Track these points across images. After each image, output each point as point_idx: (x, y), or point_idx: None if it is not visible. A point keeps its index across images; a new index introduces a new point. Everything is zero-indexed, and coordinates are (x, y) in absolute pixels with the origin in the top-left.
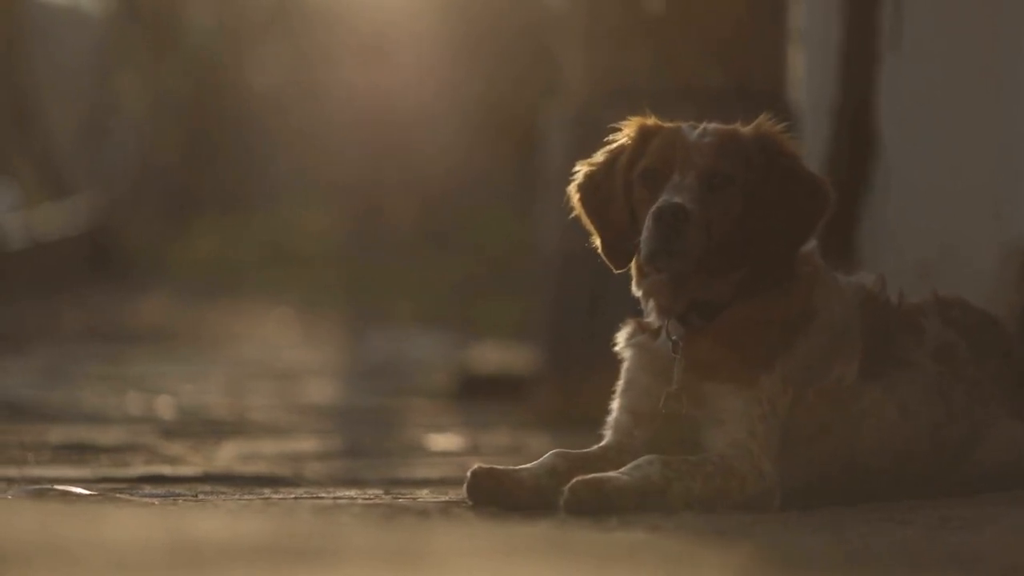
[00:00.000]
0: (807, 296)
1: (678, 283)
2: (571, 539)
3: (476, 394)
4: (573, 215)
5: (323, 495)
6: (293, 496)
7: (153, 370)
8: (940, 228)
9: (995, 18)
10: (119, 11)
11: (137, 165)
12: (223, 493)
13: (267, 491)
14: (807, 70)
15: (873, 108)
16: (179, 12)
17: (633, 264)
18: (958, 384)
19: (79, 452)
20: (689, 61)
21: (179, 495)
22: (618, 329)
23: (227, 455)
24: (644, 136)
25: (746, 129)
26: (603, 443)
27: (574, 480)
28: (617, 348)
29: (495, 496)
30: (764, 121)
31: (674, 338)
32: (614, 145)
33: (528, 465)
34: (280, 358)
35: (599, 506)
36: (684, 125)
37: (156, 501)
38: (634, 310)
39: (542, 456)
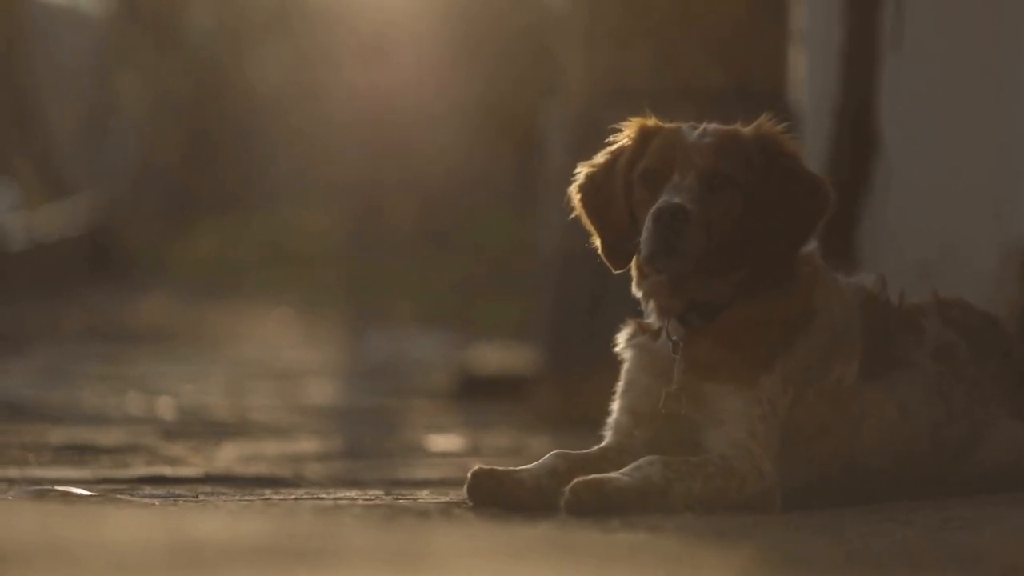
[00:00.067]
0: (807, 296)
1: (678, 283)
2: (572, 540)
3: (476, 394)
4: (574, 216)
5: (324, 496)
6: (294, 497)
7: (153, 370)
8: (940, 228)
9: (995, 18)
10: (119, 11)
11: (137, 165)
12: (224, 494)
13: (268, 492)
14: (808, 70)
15: (874, 108)
16: (179, 12)
17: (633, 264)
18: (958, 384)
19: (80, 453)
20: (689, 61)
21: (180, 496)
22: (618, 330)
23: (228, 456)
24: (644, 137)
25: (746, 129)
26: (603, 444)
27: (575, 481)
28: (617, 349)
29: (496, 497)
30: (764, 121)
31: (674, 338)
32: (614, 146)
33: (528, 466)
34: (280, 358)
35: (600, 507)
36: (684, 125)
37: (157, 502)
38: (634, 311)
39: (542, 457)
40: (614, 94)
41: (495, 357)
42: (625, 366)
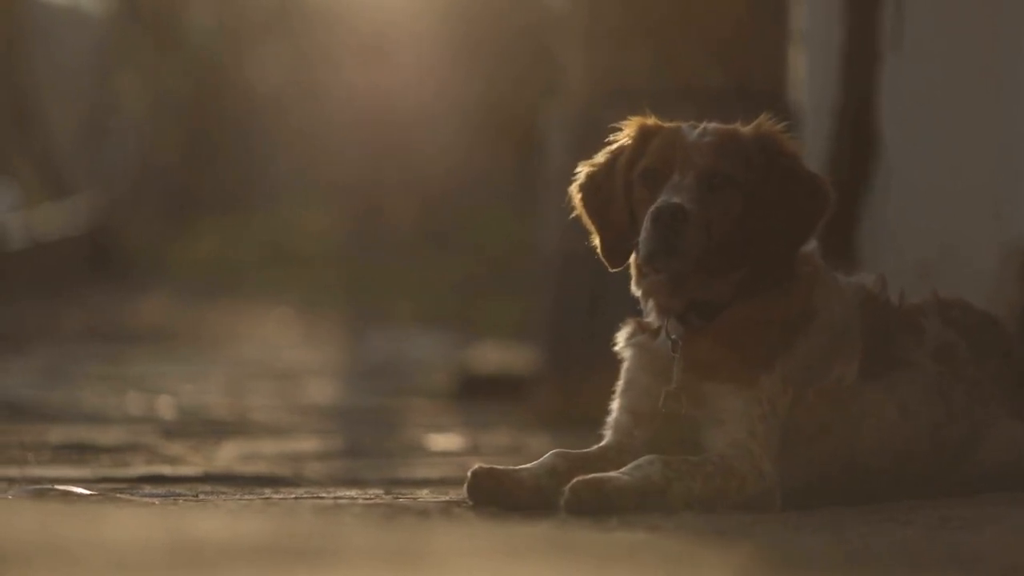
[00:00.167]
0: (807, 296)
1: (677, 283)
2: (571, 539)
3: (476, 394)
4: (574, 215)
5: (323, 495)
6: (293, 496)
7: (153, 370)
8: (940, 228)
9: (995, 18)
10: (119, 11)
11: (137, 165)
12: (223, 493)
13: (267, 491)
14: (808, 70)
15: (874, 108)
16: (179, 12)
17: (632, 263)
18: (958, 384)
19: (79, 452)
20: (689, 61)
21: (179, 495)
22: (618, 329)
23: (227, 455)
24: (644, 136)
25: (746, 129)
26: (603, 443)
27: (574, 480)
28: (617, 348)
29: (495, 496)
30: (764, 121)
31: (673, 337)
32: (615, 145)
33: (528, 465)
34: (280, 358)
35: (599, 506)
36: (684, 125)
37: (156, 501)
38: (634, 310)
39: (542, 456)
40: (614, 94)
41: (495, 357)
42: (625, 365)
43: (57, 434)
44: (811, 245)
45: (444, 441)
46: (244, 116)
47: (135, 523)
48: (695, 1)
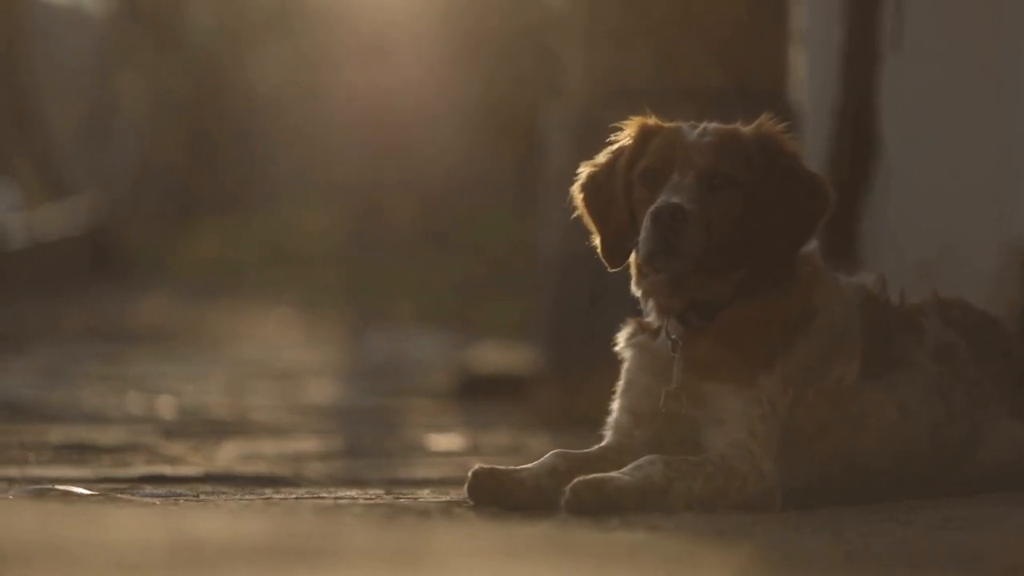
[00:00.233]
0: (807, 296)
1: (677, 283)
2: (572, 539)
3: (477, 394)
4: (575, 215)
5: (324, 495)
6: (294, 496)
7: (154, 370)
8: (941, 228)
9: (996, 18)
10: (120, 11)
11: (137, 165)
12: (224, 493)
13: (268, 491)
14: (808, 70)
15: (874, 108)
16: (180, 12)
17: (632, 263)
18: (958, 384)
19: (80, 452)
20: (690, 61)
21: (180, 495)
22: (618, 329)
23: (228, 455)
24: (644, 136)
25: (746, 129)
26: (603, 443)
27: (575, 480)
28: (617, 348)
29: (496, 496)
30: (764, 121)
31: (673, 337)
32: (615, 146)
33: (529, 465)
34: (281, 358)
35: (600, 506)
36: (684, 125)
37: (157, 501)
38: (634, 310)
39: (543, 456)
40: (614, 94)
41: (495, 357)
42: (625, 365)
43: (57, 434)
44: (812, 245)
45: (444, 441)
46: (244, 116)
47: (135, 523)
48: (695, 1)
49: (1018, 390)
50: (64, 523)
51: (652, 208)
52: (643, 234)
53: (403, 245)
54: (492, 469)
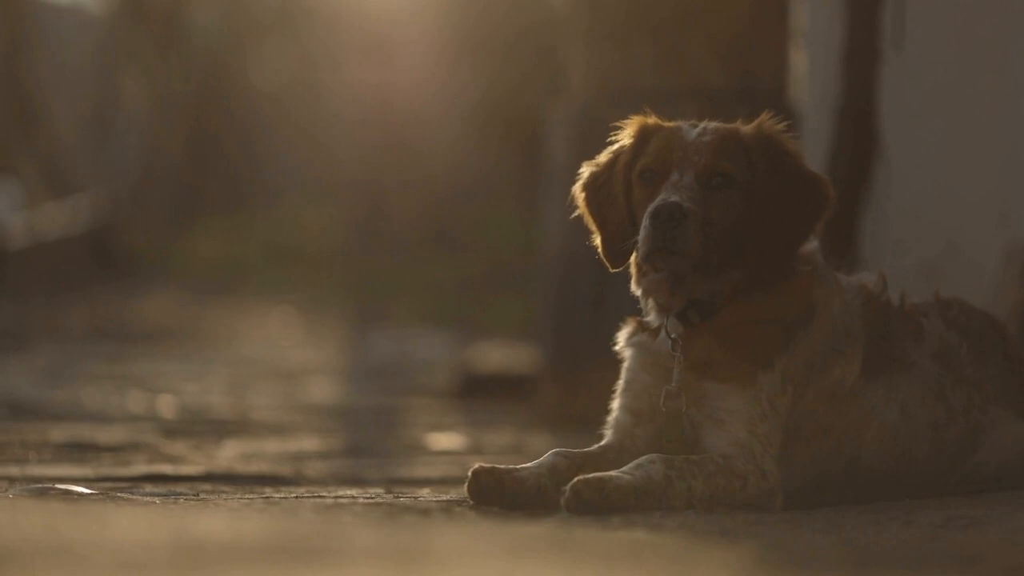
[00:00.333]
0: (807, 295)
1: (676, 281)
2: (573, 538)
3: (478, 393)
4: (577, 215)
5: (324, 494)
6: (295, 495)
7: (155, 369)
8: (942, 227)
9: (997, 17)
10: (123, 11)
11: (141, 164)
12: (225, 492)
13: (269, 490)
14: (809, 69)
15: (875, 107)
16: (183, 12)
17: (632, 263)
18: (958, 384)
19: (81, 451)
20: (691, 61)
21: (181, 494)
22: (619, 328)
23: (229, 454)
24: (644, 135)
25: (746, 128)
26: (604, 442)
27: (576, 479)
28: (617, 347)
29: (496, 495)
30: (764, 120)
31: (673, 336)
32: (616, 145)
33: (529, 464)
34: (283, 357)
35: (601, 505)
36: (684, 124)
37: (158, 500)
38: (635, 309)
39: (543, 455)
40: (616, 93)
41: (497, 356)
42: (625, 365)
43: (59, 433)
44: (812, 244)
45: (445, 440)
46: (247, 115)
47: (136, 522)
48: (696, 0)
49: (1018, 390)
50: (65, 522)
51: (651, 207)
52: (642, 233)
53: (405, 244)
54: (492, 468)
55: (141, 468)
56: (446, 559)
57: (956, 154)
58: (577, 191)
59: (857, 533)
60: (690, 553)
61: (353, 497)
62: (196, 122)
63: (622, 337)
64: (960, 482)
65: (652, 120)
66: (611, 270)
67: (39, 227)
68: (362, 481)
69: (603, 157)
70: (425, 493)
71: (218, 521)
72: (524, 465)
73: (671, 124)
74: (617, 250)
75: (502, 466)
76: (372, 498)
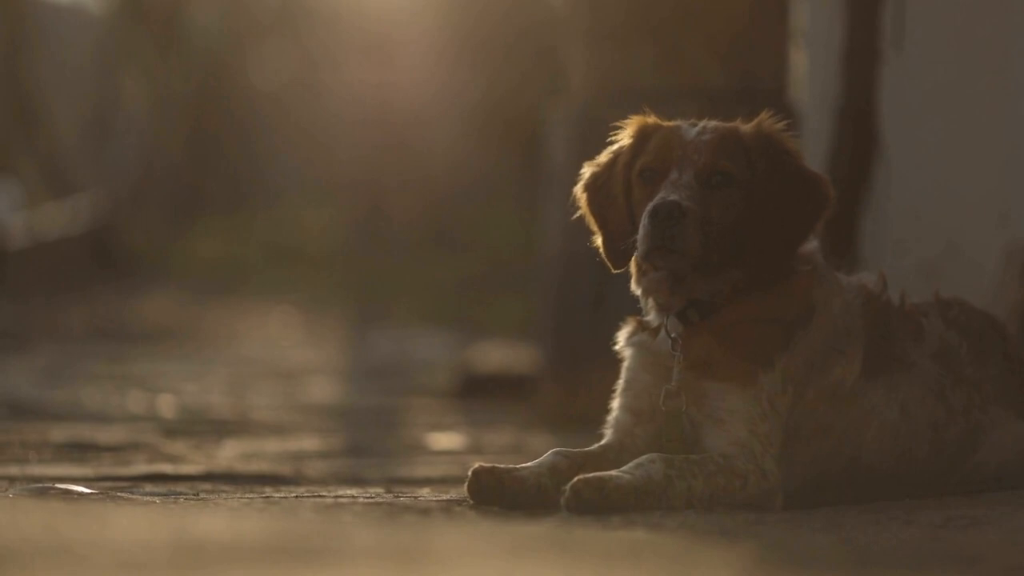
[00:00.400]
0: (807, 294)
1: (676, 280)
2: (573, 538)
3: (478, 393)
4: (578, 215)
5: (325, 494)
6: (295, 495)
7: (155, 369)
8: (942, 227)
9: (997, 17)
10: (123, 10)
11: (141, 164)
12: (225, 492)
13: (269, 490)
14: (809, 69)
15: (875, 107)
16: (183, 12)
17: (632, 262)
18: (958, 384)
19: (81, 451)
20: (691, 60)
21: (181, 494)
22: (619, 328)
23: (229, 454)
24: (643, 135)
25: (746, 127)
26: (604, 442)
27: (576, 479)
28: (617, 347)
29: (496, 495)
30: (764, 119)
31: (673, 335)
32: (615, 145)
33: (529, 464)
34: (283, 357)
35: (601, 505)
36: (683, 123)
37: (158, 500)
38: (636, 309)
39: (543, 455)
40: (616, 93)
41: (497, 356)
42: (625, 364)
43: (59, 433)
44: (812, 244)
45: (445, 440)
46: (247, 115)
47: (136, 522)
48: (697, 0)
49: (1018, 390)
50: (65, 522)
51: (650, 206)
52: (641, 231)
53: (405, 244)
54: (492, 468)
55: (141, 468)
56: (446, 559)
57: (956, 154)
58: (579, 192)
59: (857, 533)
60: (690, 553)
61: (353, 497)
62: (196, 122)
63: (622, 337)
64: (960, 482)
65: (652, 120)
66: (613, 271)
67: (39, 227)
68: (362, 481)
69: (603, 157)
70: (425, 493)
71: (218, 521)
72: (524, 464)
73: (670, 123)
74: (618, 251)
75: (502, 466)
76: (372, 498)
